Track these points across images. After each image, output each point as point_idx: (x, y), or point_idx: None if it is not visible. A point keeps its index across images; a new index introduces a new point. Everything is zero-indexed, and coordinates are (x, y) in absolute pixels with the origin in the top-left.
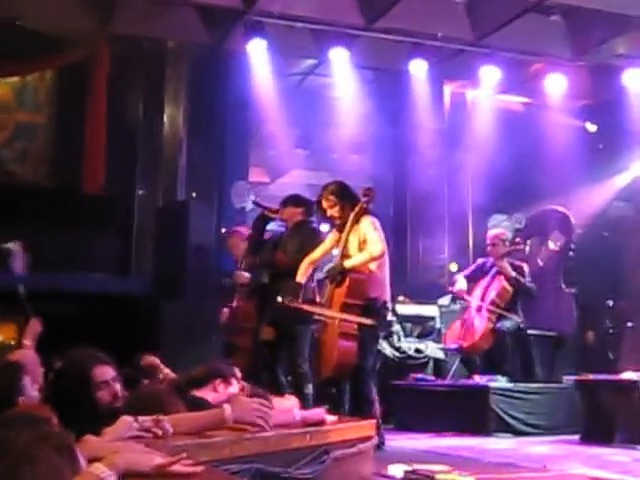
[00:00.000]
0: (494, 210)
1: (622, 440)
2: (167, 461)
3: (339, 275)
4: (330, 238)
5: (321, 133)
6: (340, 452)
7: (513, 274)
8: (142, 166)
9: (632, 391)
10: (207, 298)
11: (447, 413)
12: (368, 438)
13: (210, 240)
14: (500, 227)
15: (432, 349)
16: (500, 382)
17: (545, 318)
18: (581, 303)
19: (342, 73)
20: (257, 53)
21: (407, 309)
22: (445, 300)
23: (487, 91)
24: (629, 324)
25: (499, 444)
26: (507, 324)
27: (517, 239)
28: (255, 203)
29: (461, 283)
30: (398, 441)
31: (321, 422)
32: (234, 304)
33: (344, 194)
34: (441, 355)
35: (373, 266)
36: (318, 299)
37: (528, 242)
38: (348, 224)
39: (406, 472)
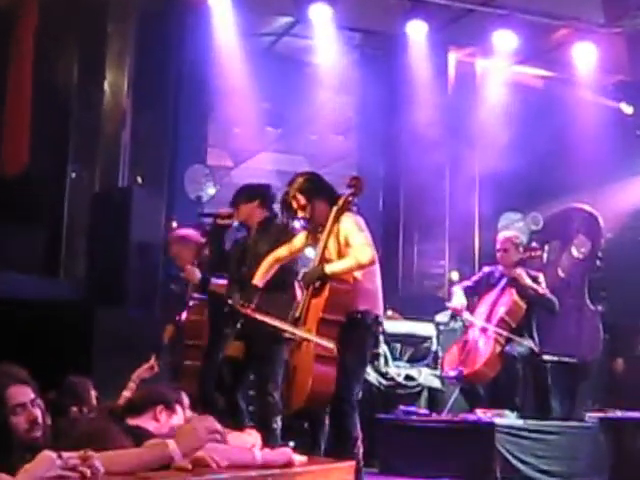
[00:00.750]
0: (506, 208)
1: None
2: None
3: (317, 281)
4: (299, 238)
5: (296, 108)
6: None
7: (530, 283)
8: (76, 143)
9: None
10: (151, 306)
11: (443, 455)
12: None
13: (157, 236)
14: (513, 228)
15: (426, 376)
16: (509, 418)
17: (565, 341)
18: (609, 324)
19: (323, 35)
20: (220, 7)
21: (397, 326)
22: (444, 317)
23: (501, 61)
24: None
25: None
26: (518, 348)
27: (533, 243)
28: (201, 215)
29: (458, 297)
30: None
31: (287, 464)
32: (181, 317)
33: (316, 189)
34: (437, 384)
35: (359, 275)
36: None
37: (546, 248)
38: (329, 223)
39: None
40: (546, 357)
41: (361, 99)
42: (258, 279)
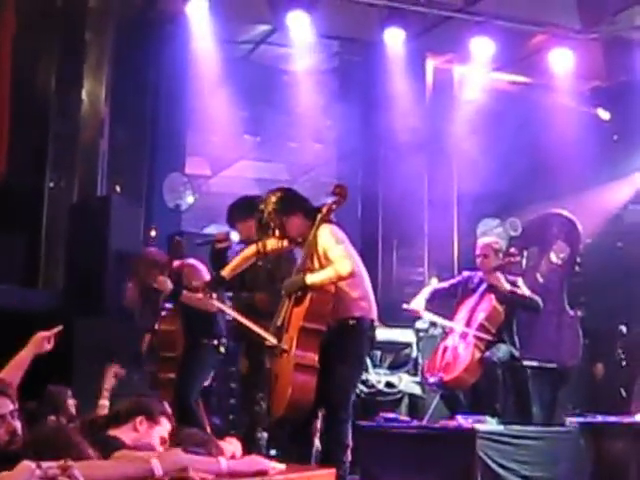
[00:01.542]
0: (484, 214)
1: None
2: None
3: (299, 291)
4: (271, 242)
5: (275, 116)
6: None
7: (509, 287)
8: (54, 152)
9: None
10: (131, 316)
11: (425, 462)
12: None
13: (136, 245)
14: (492, 234)
15: (407, 383)
16: (489, 424)
17: (545, 347)
18: (589, 329)
19: (301, 43)
20: (197, 16)
21: (377, 333)
22: (424, 323)
23: (478, 68)
24: None
25: None
26: (498, 353)
27: (512, 249)
28: (199, 245)
29: (418, 298)
30: None
31: (259, 473)
32: (157, 327)
33: (291, 205)
34: (418, 390)
35: (343, 284)
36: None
37: (525, 253)
38: (312, 232)
39: None
40: (526, 362)
41: (339, 106)
42: (226, 271)
